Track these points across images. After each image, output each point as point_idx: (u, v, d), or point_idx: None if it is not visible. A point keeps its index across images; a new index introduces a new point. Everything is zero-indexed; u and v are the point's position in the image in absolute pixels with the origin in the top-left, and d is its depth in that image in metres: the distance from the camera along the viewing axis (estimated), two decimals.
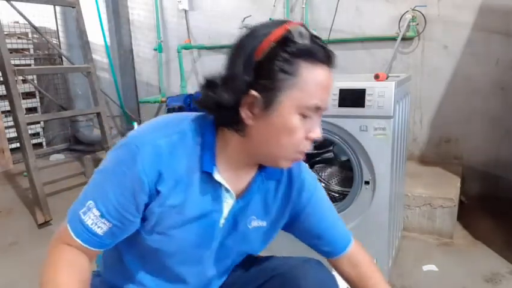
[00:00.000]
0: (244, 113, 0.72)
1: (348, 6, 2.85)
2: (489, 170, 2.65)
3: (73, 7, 3.01)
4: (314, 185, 0.93)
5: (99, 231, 0.74)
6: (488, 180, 2.65)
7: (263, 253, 0.96)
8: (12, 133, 3.39)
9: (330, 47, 0.74)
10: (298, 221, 0.92)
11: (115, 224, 0.74)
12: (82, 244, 0.75)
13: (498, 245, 2.05)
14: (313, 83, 0.71)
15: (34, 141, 3.75)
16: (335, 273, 0.96)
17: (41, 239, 2.33)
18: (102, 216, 0.73)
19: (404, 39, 2.66)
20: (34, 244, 2.26)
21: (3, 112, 3.42)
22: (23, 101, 3.18)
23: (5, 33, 3.10)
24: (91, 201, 0.73)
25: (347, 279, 0.96)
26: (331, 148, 2.10)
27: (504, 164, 2.60)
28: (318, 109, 0.73)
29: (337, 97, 1.58)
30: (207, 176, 0.77)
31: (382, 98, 1.51)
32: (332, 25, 2.85)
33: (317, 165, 2.09)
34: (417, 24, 2.64)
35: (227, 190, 0.80)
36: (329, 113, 1.60)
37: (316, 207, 0.92)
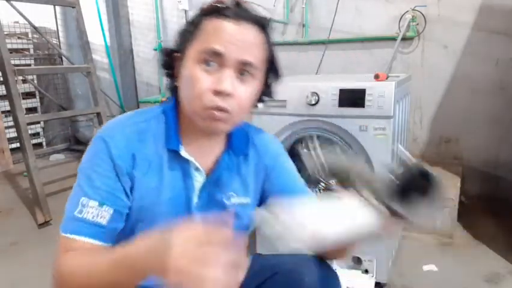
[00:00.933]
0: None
1: (348, 6, 2.85)
2: (489, 170, 2.65)
3: (73, 7, 3.01)
4: (278, 150, 0.94)
5: (103, 221, 0.74)
6: (488, 180, 2.65)
7: (265, 251, 0.96)
8: (12, 133, 3.39)
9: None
10: (269, 184, 0.91)
11: (116, 208, 0.75)
12: (87, 239, 0.73)
13: (498, 245, 2.05)
14: (211, 29, 0.73)
15: (34, 141, 3.76)
16: (337, 270, 0.95)
17: (41, 239, 2.33)
18: (101, 204, 0.73)
19: (404, 39, 2.67)
20: (34, 244, 2.26)
21: (3, 112, 3.42)
22: (23, 101, 3.18)
23: (5, 33, 3.10)
24: (83, 198, 0.73)
25: None
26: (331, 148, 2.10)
27: (504, 164, 2.60)
28: (218, 55, 0.72)
29: (337, 97, 1.58)
30: (174, 154, 0.80)
31: (382, 98, 1.51)
32: (332, 25, 2.84)
33: None
34: (417, 24, 2.64)
35: (196, 168, 0.82)
36: (329, 113, 1.60)
37: (283, 170, 0.92)
